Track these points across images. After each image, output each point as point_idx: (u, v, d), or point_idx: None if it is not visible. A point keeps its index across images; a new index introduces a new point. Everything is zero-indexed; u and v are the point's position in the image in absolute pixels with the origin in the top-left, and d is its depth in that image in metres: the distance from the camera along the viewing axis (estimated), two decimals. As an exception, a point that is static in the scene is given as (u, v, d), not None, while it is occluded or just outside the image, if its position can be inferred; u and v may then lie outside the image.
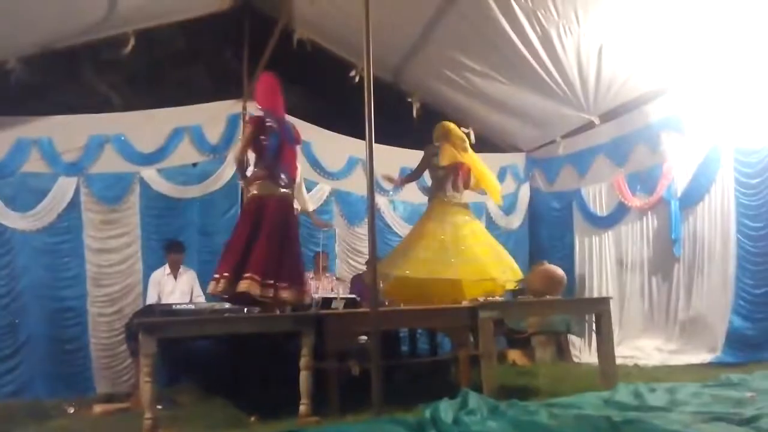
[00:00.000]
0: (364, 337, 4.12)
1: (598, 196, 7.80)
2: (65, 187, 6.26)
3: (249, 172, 4.86)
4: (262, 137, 4.61)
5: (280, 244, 4.47)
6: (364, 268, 7.17)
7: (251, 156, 4.84)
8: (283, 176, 4.64)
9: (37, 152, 6.20)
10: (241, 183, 5.96)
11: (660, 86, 6.73)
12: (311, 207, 6.29)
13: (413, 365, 5.86)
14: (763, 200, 5.90)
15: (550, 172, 8.46)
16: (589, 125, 7.63)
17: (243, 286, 4.29)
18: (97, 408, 5.34)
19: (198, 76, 8.80)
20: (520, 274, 5.41)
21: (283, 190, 4.63)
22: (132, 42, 6.51)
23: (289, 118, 6.65)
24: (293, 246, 4.64)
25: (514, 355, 7.07)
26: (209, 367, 5.55)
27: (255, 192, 4.62)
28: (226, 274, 4.35)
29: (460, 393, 3.94)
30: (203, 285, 5.95)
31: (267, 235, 4.42)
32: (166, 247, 6.24)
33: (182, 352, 5.44)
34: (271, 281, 4.37)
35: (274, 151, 4.60)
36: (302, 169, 6.50)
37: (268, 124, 4.63)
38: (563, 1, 5.80)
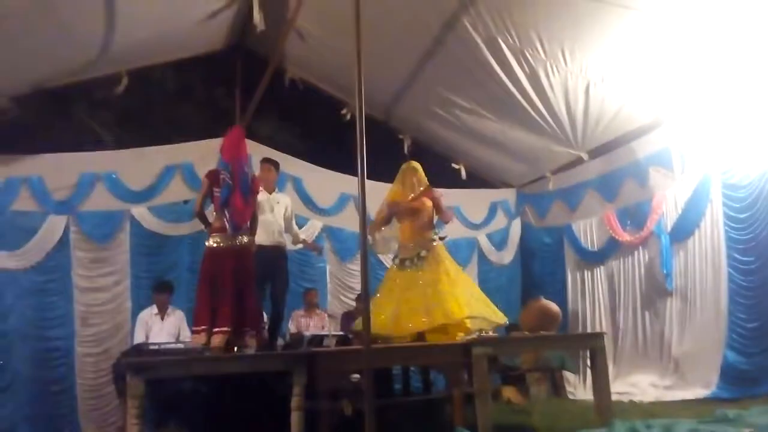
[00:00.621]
0: (357, 376, 4.06)
1: (588, 231, 7.84)
2: (55, 226, 6.22)
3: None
4: (216, 190, 4.80)
5: (239, 296, 4.62)
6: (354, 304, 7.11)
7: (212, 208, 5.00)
8: (233, 226, 4.77)
9: (26, 190, 6.17)
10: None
11: (647, 122, 6.82)
12: (303, 236, 6.33)
13: (407, 404, 5.76)
14: (753, 234, 5.93)
15: (541, 208, 8.50)
16: (578, 161, 7.70)
17: (217, 341, 4.44)
18: (82, 452, 5.20)
19: (190, 114, 8.86)
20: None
21: (239, 240, 4.77)
22: (125, 81, 6.58)
23: (279, 155, 6.78)
24: (250, 296, 4.80)
25: (509, 392, 6.96)
26: (198, 408, 5.42)
27: (211, 244, 4.77)
28: (203, 327, 4.54)
29: (454, 433, 3.87)
30: (191, 325, 5.86)
31: (228, 288, 4.60)
32: (154, 287, 6.19)
33: (171, 393, 5.33)
34: (239, 329, 4.59)
35: (223, 202, 4.77)
36: (293, 204, 6.52)
37: (221, 176, 4.81)
38: (550, 41, 5.93)
